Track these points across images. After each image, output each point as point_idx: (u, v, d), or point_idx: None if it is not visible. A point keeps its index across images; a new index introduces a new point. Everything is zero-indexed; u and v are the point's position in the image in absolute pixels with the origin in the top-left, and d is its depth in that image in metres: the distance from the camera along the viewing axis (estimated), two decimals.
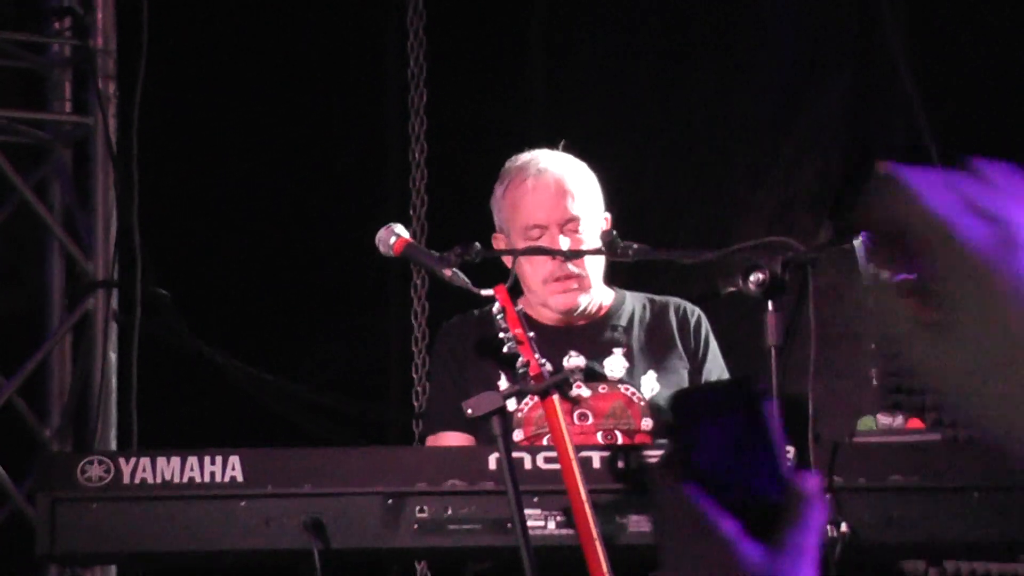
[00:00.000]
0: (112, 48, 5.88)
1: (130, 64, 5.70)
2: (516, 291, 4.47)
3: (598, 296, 4.48)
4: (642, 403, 4.36)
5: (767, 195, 6.23)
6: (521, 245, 4.40)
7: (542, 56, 6.44)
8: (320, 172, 6.28)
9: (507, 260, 4.47)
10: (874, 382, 5.33)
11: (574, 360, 4.40)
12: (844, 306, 5.30)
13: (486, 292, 4.06)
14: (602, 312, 4.50)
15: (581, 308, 4.43)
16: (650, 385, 4.40)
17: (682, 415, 1.66)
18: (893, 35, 5.80)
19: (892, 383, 5.33)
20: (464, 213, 6.00)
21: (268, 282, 6.19)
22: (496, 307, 4.01)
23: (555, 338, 4.40)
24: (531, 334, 3.97)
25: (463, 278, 4.11)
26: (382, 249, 4.21)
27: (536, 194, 4.41)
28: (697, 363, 4.45)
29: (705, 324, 4.50)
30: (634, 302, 4.54)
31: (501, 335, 3.99)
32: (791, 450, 3.87)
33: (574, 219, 4.38)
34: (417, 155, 6.36)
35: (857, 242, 3.91)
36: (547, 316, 4.46)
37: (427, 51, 6.35)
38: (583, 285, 4.40)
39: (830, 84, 6.20)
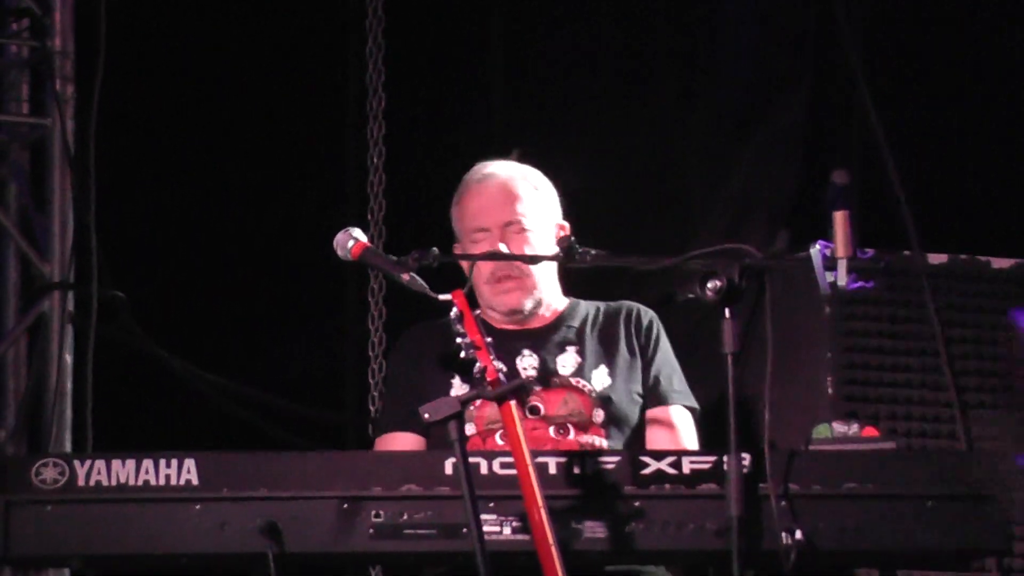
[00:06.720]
0: (70, 50, 5.85)
1: (88, 66, 5.67)
2: (476, 297, 4.49)
3: (548, 299, 4.55)
4: (593, 395, 4.42)
5: (725, 206, 6.25)
6: (470, 250, 4.45)
7: (500, 70, 6.44)
8: (278, 176, 6.27)
9: (465, 266, 4.51)
10: (829, 390, 5.35)
11: (528, 360, 4.45)
12: (800, 313, 5.32)
13: (443, 297, 4.06)
14: (555, 316, 4.56)
15: (527, 308, 4.50)
16: (601, 379, 4.46)
17: None
18: (849, 48, 5.83)
19: (847, 391, 5.35)
20: (422, 218, 6.01)
21: (225, 285, 6.17)
22: (454, 312, 4.02)
23: (509, 340, 4.45)
24: (489, 339, 3.98)
25: (420, 283, 4.10)
26: (340, 253, 4.20)
27: (479, 198, 4.51)
28: (647, 359, 4.52)
29: (657, 324, 4.57)
30: (588, 308, 4.61)
31: (459, 340, 3.99)
32: (747, 457, 3.88)
33: (515, 222, 4.46)
34: (375, 159, 6.37)
35: (814, 250, 3.92)
36: (499, 320, 4.53)
37: (386, 55, 6.36)
38: (523, 285, 4.48)
39: (787, 96, 6.23)
